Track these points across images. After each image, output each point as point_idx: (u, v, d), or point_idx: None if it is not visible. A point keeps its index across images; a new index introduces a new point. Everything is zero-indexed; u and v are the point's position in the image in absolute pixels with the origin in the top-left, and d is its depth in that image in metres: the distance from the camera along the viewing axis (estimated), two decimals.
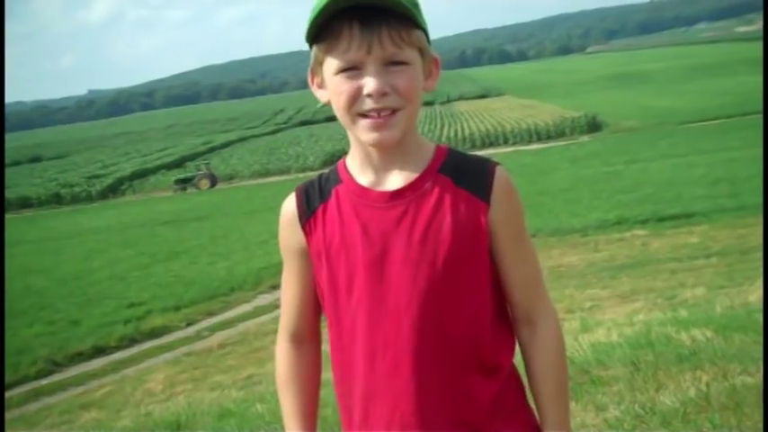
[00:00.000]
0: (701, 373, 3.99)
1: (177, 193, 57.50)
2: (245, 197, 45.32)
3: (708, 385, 3.76)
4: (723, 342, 4.69)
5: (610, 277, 15.00)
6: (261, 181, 57.79)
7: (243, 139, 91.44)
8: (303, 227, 1.60)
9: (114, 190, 64.48)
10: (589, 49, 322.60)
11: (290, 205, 1.63)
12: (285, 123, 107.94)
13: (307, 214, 1.60)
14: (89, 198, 62.09)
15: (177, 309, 18.81)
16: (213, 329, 17.03)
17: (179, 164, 72.91)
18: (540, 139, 59.30)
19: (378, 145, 1.52)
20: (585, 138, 56.66)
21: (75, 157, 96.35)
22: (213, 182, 58.45)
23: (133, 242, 31.60)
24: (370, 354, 1.54)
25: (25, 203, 60.46)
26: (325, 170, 1.66)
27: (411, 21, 1.48)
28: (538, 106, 79.64)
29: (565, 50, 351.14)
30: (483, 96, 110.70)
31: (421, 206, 1.54)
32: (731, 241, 17.34)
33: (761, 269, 12.43)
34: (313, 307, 1.64)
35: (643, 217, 21.90)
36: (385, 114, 1.49)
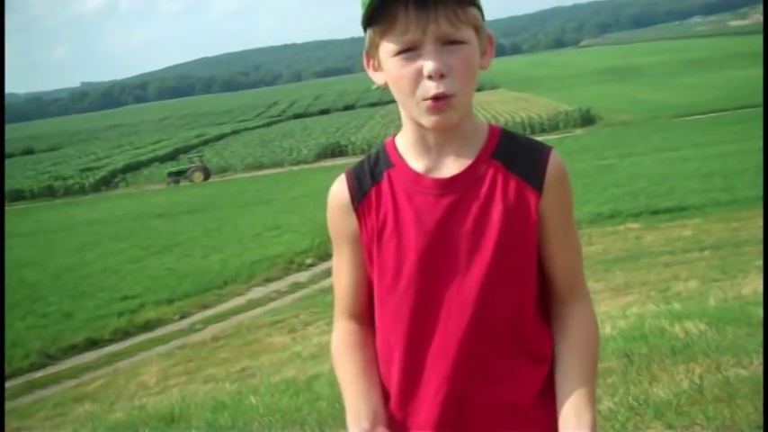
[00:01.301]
0: (694, 366, 3.99)
1: (170, 185, 57.42)
2: (239, 190, 45.28)
3: (701, 377, 3.77)
4: (716, 334, 4.70)
5: (603, 270, 15.02)
6: (254, 174, 57.77)
7: (236, 132, 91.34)
8: (356, 210, 1.57)
9: (107, 182, 64.37)
10: (583, 43, 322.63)
11: (340, 190, 1.60)
12: (279, 116, 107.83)
13: (359, 198, 1.57)
14: (82, 191, 61.98)
15: (171, 302, 18.81)
16: (207, 322, 17.03)
17: (172, 156, 72.81)
18: (533, 133, 59.30)
19: (437, 128, 1.51)
20: (579, 131, 56.79)
21: (69, 150, 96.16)
22: (206, 175, 58.37)
23: (126, 235, 31.55)
24: (414, 338, 1.54)
25: (18, 196, 60.35)
26: (371, 151, 1.63)
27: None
28: (532, 100, 79.72)
29: (559, 44, 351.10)
30: (477, 89, 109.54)
31: (474, 194, 1.53)
32: (724, 234, 17.38)
33: (754, 262, 12.47)
34: (368, 290, 1.62)
35: (636, 210, 21.96)
36: (445, 98, 1.48)
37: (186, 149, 77.28)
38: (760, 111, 47.91)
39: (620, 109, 62.89)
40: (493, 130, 1.60)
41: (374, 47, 1.52)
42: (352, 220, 1.58)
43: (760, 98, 53.83)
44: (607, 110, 62.80)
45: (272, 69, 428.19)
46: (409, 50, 1.46)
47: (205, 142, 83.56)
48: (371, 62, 1.55)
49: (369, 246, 1.58)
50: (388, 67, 1.50)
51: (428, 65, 1.45)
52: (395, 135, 1.62)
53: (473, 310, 1.52)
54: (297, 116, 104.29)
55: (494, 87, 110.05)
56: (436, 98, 1.47)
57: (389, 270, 1.55)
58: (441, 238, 1.53)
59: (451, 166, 1.55)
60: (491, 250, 1.52)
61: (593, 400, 1.57)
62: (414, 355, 1.55)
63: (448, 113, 1.49)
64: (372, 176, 1.58)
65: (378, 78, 1.55)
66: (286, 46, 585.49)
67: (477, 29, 1.51)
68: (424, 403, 1.55)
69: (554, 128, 59.89)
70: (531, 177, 1.55)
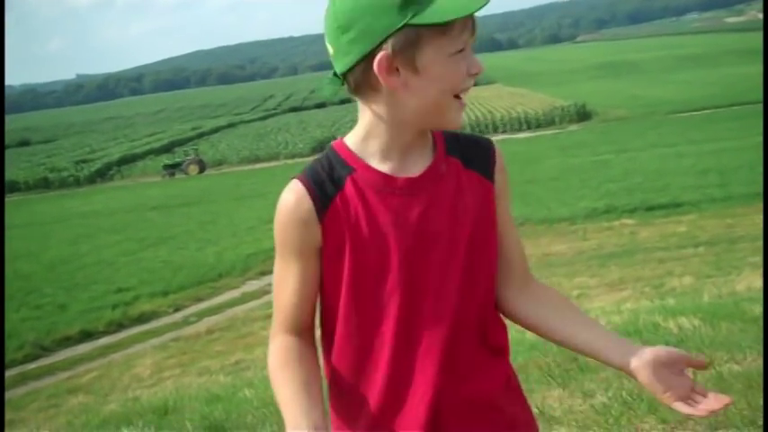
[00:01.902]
0: None
1: (166, 178, 57.35)
2: (234, 183, 45.26)
3: (695, 373, 3.75)
4: (710, 330, 4.71)
5: (598, 266, 15.06)
6: (250, 167, 57.70)
7: (232, 125, 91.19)
8: (321, 221, 1.52)
9: (102, 175, 64.25)
10: (579, 38, 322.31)
11: (299, 199, 1.51)
12: (274, 109, 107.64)
13: (324, 207, 1.50)
14: (77, 183, 61.87)
15: (165, 294, 18.80)
16: (201, 315, 17.03)
17: (167, 149, 72.63)
18: (529, 128, 59.39)
19: (459, 126, 1.56)
20: (575, 126, 56.79)
21: (63, 142, 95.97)
22: (202, 167, 58.30)
23: (121, 227, 31.52)
24: (402, 339, 1.53)
25: (13, 188, 60.15)
26: (319, 158, 1.56)
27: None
28: (528, 95, 79.70)
29: (555, 39, 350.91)
30: (473, 84, 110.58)
31: (444, 190, 1.54)
32: (719, 231, 17.43)
33: (748, 259, 12.51)
34: (313, 303, 1.58)
35: (631, 206, 22.00)
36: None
37: (181, 142, 77.15)
38: (755, 107, 47.99)
39: (616, 105, 62.91)
40: (434, 130, 1.61)
41: (413, 47, 1.45)
42: (314, 232, 1.51)
43: (755, 95, 53.85)
44: (603, 105, 62.81)
45: (267, 62, 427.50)
46: (462, 50, 1.48)
47: (200, 135, 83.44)
48: (395, 63, 1.45)
49: (333, 256, 1.52)
50: (438, 67, 1.46)
51: (478, 63, 1.51)
52: (341, 139, 1.58)
53: (455, 306, 1.53)
54: (293, 109, 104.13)
55: (490, 82, 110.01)
56: (460, 97, 1.51)
57: (371, 275, 1.52)
58: (421, 236, 1.52)
59: (415, 166, 1.54)
60: (467, 245, 1.54)
61: None
62: (402, 357, 1.53)
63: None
64: (333, 183, 1.52)
65: (398, 83, 1.47)
66: (282, 39, 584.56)
67: None
68: (412, 404, 1.54)
69: (550, 123, 59.87)
70: (485, 171, 1.59)
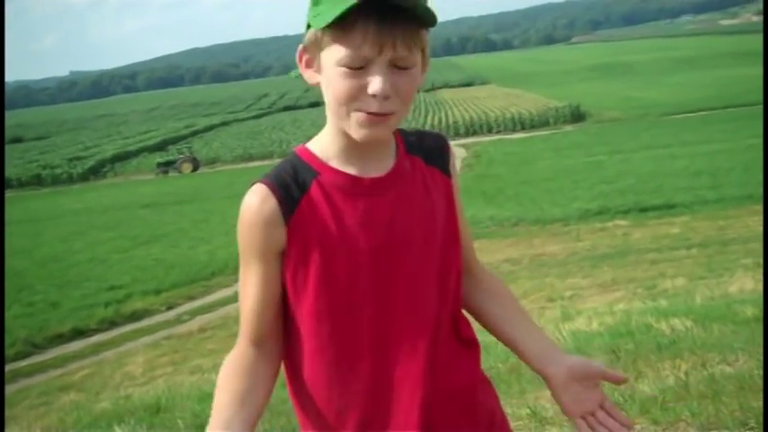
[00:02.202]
0: (680, 362, 4.01)
1: (159, 176, 57.25)
2: (228, 181, 45.19)
3: (687, 374, 3.79)
4: (702, 332, 4.73)
5: (591, 267, 15.07)
6: (243, 165, 57.61)
7: (226, 123, 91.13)
8: (288, 223, 1.48)
9: (95, 172, 64.14)
10: (574, 40, 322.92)
11: (265, 202, 1.48)
12: (268, 108, 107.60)
13: (290, 209, 1.48)
14: (70, 180, 61.76)
15: (158, 292, 18.77)
16: (194, 313, 17.01)
17: (161, 147, 72.56)
18: (523, 128, 59.44)
19: (366, 141, 1.47)
20: (569, 127, 56.87)
21: (57, 139, 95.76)
22: (195, 165, 58.23)
23: (114, 225, 31.46)
24: (381, 343, 1.51)
25: (5, 184, 59.98)
26: (281, 164, 1.54)
27: (425, 22, 1.42)
28: (522, 95, 79.81)
29: (549, 40, 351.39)
30: (468, 84, 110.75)
31: (410, 189, 1.53)
32: (712, 233, 17.46)
33: (740, 260, 12.54)
34: (275, 310, 1.54)
35: (625, 207, 22.04)
36: (383, 116, 1.45)
37: (175, 140, 77.05)
38: (749, 110, 48.12)
39: (610, 106, 63.03)
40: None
41: (317, 47, 1.46)
42: (279, 234, 1.49)
43: (749, 97, 53.95)
44: (597, 107, 62.92)
45: (262, 61, 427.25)
46: (360, 67, 1.42)
47: (194, 133, 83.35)
48: (305, 58, 1.49)
49: (298, 261, 1.50)
50: (330, 74, 1.45)
51: (376, 86, 1.41)
52: (304, 144, 1.57)
53: (433, 303, 1.52)
54: (287, 108, 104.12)
55: (484, 83, 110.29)
56: (373, 114, 1.44)
57: (342, 278, 1.49)
58: (392, 235, 1.50)
59: (379, 167, 1.53)
60: (441, 240, 1.54)
61: None
62: (382, 360, 1.51)
63: (380, 129, 1.46)
64: (298, 186, 1.49)
65: (311, 77, 1.50)
66: (276, 38, 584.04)
67: (424, 50, 1.48)
68: (401, 407, 1.52)
69: (544, 124, 59.95)
70: (443, 166, 1.60)
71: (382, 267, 1.49)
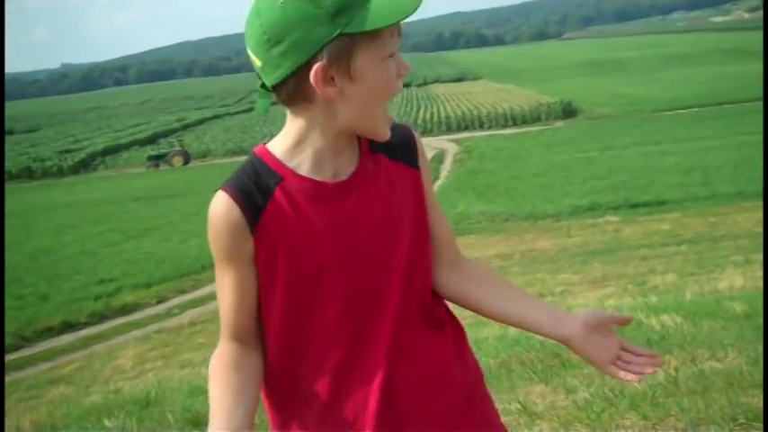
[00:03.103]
0: (669, 358, 4.02)
1: (150, 169, 57.14)
2: (219, 175, 44.79)
3: (676, 370, 3.80)
4: (692, 328, 4.75)
5: (581, 262, 15.10)
6: (234, 159, 57.44)
7: (217, 117, 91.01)
8: (253, 232, 1.51)
9: (86, 165, 63.96)
10: (566, 36, 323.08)
11: (229, 211, 1.51)
12: None
13: (255, 218, 1.50)
14: (60, 173, 61.58)
15: (148, 286, 18.74)
16: (184, 307, 16.99)
17: (152, 140, 72.44)
18: (515, 124, 59.49)
19: (386, 137, 1.56)
20: (560, 123, 56.97)
21: (47, 131, 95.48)
22: (186, 159, 58.13)
23: (104, 218, 31.39)
24: (347, 339, 1.56)
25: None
26: (243, 167, 1.55)
27: None
28: (514, 91, 79.87)
29: (542, 36, 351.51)
30: (459, 80, 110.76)
31: (375, 188, 1.56)
32: (702, 229, 17.52)
33: (731, 257, 12.59)
34: (253, 308, 1.58)
35: (616, 203, 22.10)
36: None
37: (166, 133, 76.91)
38: (740, 107, 48.29)
39: (602, 102, 63.14)
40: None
41: (346, 55, 1.45)
42: (247, 242, 1.51)
43: (740, 94, 54.11)
44: (588, 103, 63.02)
45: None
46: (392, 53, 1.50)
47: (185, 126, 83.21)
48: (332, 76, 1.46)
49: (266, 266, 1.53)
50: (372, 72, 1.47)
51: (406, 64, 1.52)
52: (264, 145, 1.57)
53: (397, 298, 1.56)
54: (278, 102, 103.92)
55: (476, 78, 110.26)
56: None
57: (308, 281, 1.53)
58: (357, 235, 1.54)
59: (343, 168, 1.55)
60: (405, 237, 1.57)
61: None
62: (349, 355, 1.56)
63: None
64: (261, 192, 1.51)
65: (331, 93, 1.47)
66: None
67: None
68: (360, 393, 1.57)
69: (535, 120, 60.01)
70: (410, 160, 1.62)
71: (348, 268, 1.53)
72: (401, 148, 1.61)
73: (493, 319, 1.69)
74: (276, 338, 1.57)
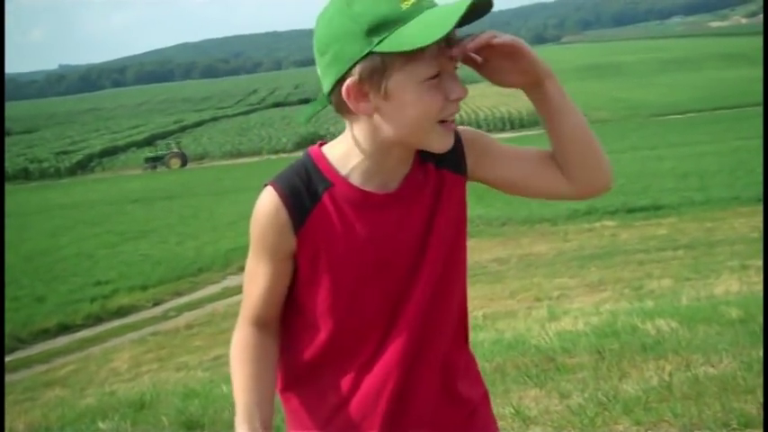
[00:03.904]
0: (664, 363, 4.03)
1: (147, 171, 57.08)
2: (216, 177, 45.12)
3: (671, 375, 3.81)
4: (687, 333, 4.75)
5: (578, 267, 15.10)
6: (232, 161, 57.55)
7: (215, 119, 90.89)
8: (297, 233, 1.54)
9: (83, 166, 63.89)
10: (564, 39, 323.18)
11: (276, 209, 1.54)
12: (258, 104, 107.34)
13: (300, 220, 1.53)
14: (57, 174, 61.51)
15: (144, 288, 18.70)
16: (180, 310, 16.96)
17: (149, 142, 72.30)
18: (513, 128, 59.58)
19: (446, 148, 1.54)
20: None
21: (44, 133, 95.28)
22: (184, 161, 58.07)
23: (101, 220, 31.34)
24: (375, 346, 1.59)
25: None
26: (295, 166, 1.58)
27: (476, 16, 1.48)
28: (512, 95, 79.56)
29: (540, 40, 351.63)
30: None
31: (419, 201, 1.57)
32: (699, 234, 17.52)
33: (727, 262, 12.60)
34: (281, 301, 1.62)
35: (613, 208, 22.06)
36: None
37: (164, 135, 76.78)
38: (737, 112, 48.33)
39: (599, 107, 63.15)
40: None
41: (381, 74, 1.45)
42: (289, 242, 1.55)
43: (738, 99, 54.12)
44: (586, 107, 62.88)
45: (252, 57, 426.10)
46: (437, 76, 1.46)
47: (183, 128, 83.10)
48: (364, 93, 1.47)
49: (307, 266, 1.57)
50: (408, 94, 1.45)
51: (458, 90, 1.49)
52: (319, 147, 1.60)
53: (433, 311, 1.58)
54: (276, 105, 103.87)
55: (474, 82, 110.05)
56: (446, 121, 1.50)
57: (347, 287, 1.56)
58: (398, 249, 1.56)
59: (393, 179, 1.56)
60: (446, 251, 1.58)
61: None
62: (373, 358, 1.59)
63: (452, 134, 1.55)
64: (310, 196, 1.54)
65: (365, 110, 1.48)
66: (267, 34, 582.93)
67: None
68: (371, 394, 1.59)
69: (533, 123, 59.88)
70: (457, 165, 1.61)
71: (384, 276, 1.56)
72: (448, 154, 1.57)
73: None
74: (314, 333, 1.61)
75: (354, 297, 1.57)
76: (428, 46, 1.40)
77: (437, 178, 1.59)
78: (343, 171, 1.55)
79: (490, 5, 1.46)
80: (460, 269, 1.64)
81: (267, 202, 1.55)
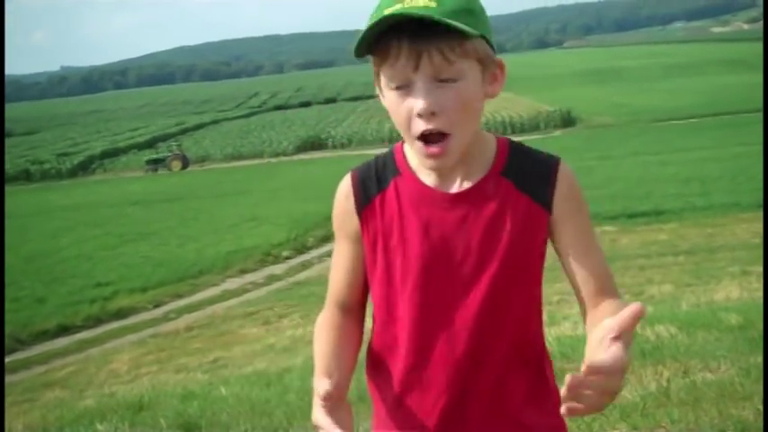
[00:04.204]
0: (662, 369, 4.03)
1: (148, 173, 57.03)
2: (217, 180, 45.10)
3: (668, 380, 3.81)
4: (687, 338, 4.75)
5: None
6: (233, 164, 57.50)
7: (216, 122, 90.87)
8: (360, 215, 1.60)
9: (84, 168, 63.84)
10: (566, 44, 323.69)
11: (346, 192, 1.62)
12: (259, 107, 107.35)
13: (364, 203, 1.60)
14: (59, 175, 61.46)
15: (144, 290, 18.70)
16: (180, 312, 16.96)
17: (151, 144, 72.28)
18: (513, 132, 59.45)
19: (435, 170, 1.53)
20: (559, 132, 56.99)
21: (46, 134, 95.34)
22: (185, 163, 58.02)
23: (102, 222, 31.33)
24: (416, 347, 1.57)
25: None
26: (380, 155, 1.64)
27: (464, 31, 1.40)
28: (513, 99, 79.85)
29: (542, 44, 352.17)
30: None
31: (482, 210, 1.53)
32: (700, 240, 17.51)
33: (727, 268, 12.58)
34: (362, 284, 1.66)
35: (613, 213, 22.06)
36: (438, 140, 1.46)
37: (165, 138, 76.74)
38: (739, 117, 48.32)
39: (601, 111, 63.15)
40: (501, 145, 1.59)
41: (376, 74, 1.51)
42: (354, 223, 1.61)
43: (740, 104, 54.13)
44: (587, 112, 63.03)
45: (253, 60, 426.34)
46: (403, 87, 1.44)
47: (184, 131, 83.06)
48: (379, 84, 1.53)
49: (370, 250, 1.61)
50: (386, 99, 1.50)
51: (418, 104, 1.43)
52: (403, 142, 1.61)
53: (475, 323, 1.54)
54: (277, 108, 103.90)
55: None
56: (427, 139, 1.46)
57: (398, 276, 1.58)
58: (444, 251, 1.54)
59: (460, 182, 1.55)
60: (496, 267, 1.53)
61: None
62: (414, 364, 1.58)
63: (443, 159, 1.49)
64: (378, 182, 1.59)
65: (381, 99, 1.54)
66: (268, 37, 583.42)
67: (482, 60, 1.48)
68: (421, 412, 1.59)
69: (534, 128, 60.06)
70: (541, 196, 1.54)
71: (429, 278, 1.55)
72: (535, 182, 1.54)
73: None
74: (376, 322, 1.65)
75: (401, 290, 1.57)
76: (360, 52, 1.44)
77: (512, 198, 1.54)
78: (414, 163, 1.58)
79: (442, 21, 1.37)
80: (523, 293, 1.57)
81: (342, 185, 1.64)
